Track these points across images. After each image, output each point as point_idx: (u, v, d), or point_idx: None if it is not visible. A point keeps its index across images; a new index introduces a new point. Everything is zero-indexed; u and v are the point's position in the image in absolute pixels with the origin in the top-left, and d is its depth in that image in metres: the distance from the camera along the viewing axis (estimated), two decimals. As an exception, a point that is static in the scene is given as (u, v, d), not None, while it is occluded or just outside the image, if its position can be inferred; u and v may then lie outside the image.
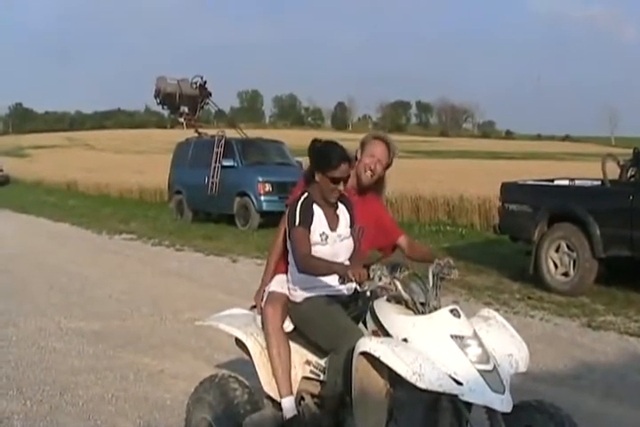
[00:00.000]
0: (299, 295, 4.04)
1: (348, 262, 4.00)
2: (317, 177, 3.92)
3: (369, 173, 4.25)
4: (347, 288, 3.97)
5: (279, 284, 4.20)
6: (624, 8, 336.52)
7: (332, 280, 3.72)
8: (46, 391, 6.10)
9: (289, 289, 4.11)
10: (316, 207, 3.95)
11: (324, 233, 3.95)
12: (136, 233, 17.81)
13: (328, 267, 3.68)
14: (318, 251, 3.88)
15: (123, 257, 14.14)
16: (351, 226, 4.07)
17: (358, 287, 3.59)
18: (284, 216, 4.28)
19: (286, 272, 4.17)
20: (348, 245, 4.07)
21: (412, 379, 3.21)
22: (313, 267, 3.72)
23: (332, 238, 3.97)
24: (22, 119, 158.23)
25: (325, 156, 3.90)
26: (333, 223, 4.00)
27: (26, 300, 9.87)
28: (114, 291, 10.47)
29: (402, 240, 4.36)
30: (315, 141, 4.02)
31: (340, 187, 3.94)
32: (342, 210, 4.07)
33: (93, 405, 5.82)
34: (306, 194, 3.98)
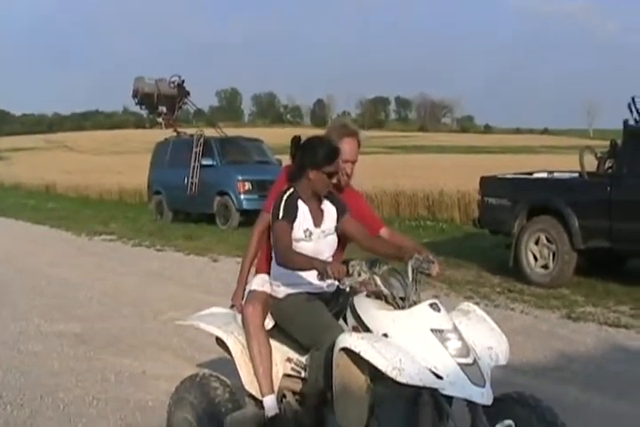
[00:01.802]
0: (281, 291, 4.03)
1: (331, 259, 3.99)
2: (311, 174, 3.87)
3: (345, 177, 4.20)
4: (328, 285, 3.96)
5: (260, 283, 4.19)
6: (602, 2, 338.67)
7: (313, 277, 3.70)
8: (26, 395, 6.05)
9: (271, 285, 4.10)
10: (300, 203, 3.93)
11: (307, 229, 3.93)
12: (116, 234, 17.72)
13: (307, 262, 3.66)
14: (302, 247, 3.86)
15: (103, 258, 14.07)
16: (338, 219, 4.02)
17: (337, 283, 3.58)
18: (260, 217, 4.27)
19: (268, 270, 4.15)
20: (332, 241, 4.06)
21: (393, 374, 3.20)
22: (292, 261, 3.70)
23: (315, 235, 3.96)
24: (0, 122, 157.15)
25: (320, 151, 3.86)
26: (318, 219, 3.98)
27: (5, 303, 9.80)
28: (94, 293, 10.42)
29: (383, 232, 4.31)
30: (297, 138, 4.00)
31: (334, 180, 3.94)
32: (327, 205, 4.03)
33: (74, 408, 5.78)
34: (291, 190, 3.94)
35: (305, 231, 3.91)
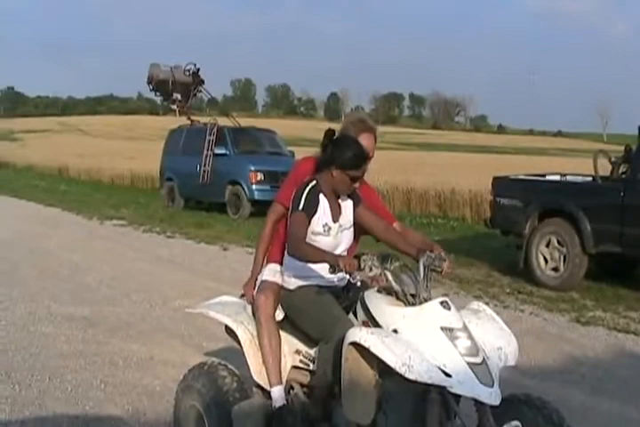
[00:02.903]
0: (292, 283, 4.04)
1: (346, 253, 4.00)
2: (335, 173, 3.87)
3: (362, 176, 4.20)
4: (339, 279, 3.98)
5: (272, 273, 4.21)
6: (617, 4, 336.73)
7: (325, 270, 3.71)
8: (35, 376, 6.09)
9: (283, 275, 4.12)
10: (322, 197, 3.93)
11: (326, 224, 3.93)
12: (127, 219, 17.77)
13: (319, 255, 3.65)
14: (320, 241, 3.88)
15: (113, 243, 14.12)
16: (354, 211, 4.03)
17: (349, 277, 3.60)
18: (272, 207, 4.28)
19: (280, 261, 4.17)
20: (349, 235, 4.07)
21: (402, 370, 3.21)
22: (304, 252, 3.69)
23: (334, 230, 3.97)
24: (14, 103, 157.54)
25: (351, 154, 3.85)
26: (336, 214, 3.99)
27: (16, 284, 9.84)
28: (104, 277, 10.46)
29: (395, 227, 4.30)
30: (331, 132, 3.96)
31: (356, 184, 3.95)
32: (345, 198, 4.03)
33: (82, 390, 5.82)
34: (314, 182, 3.94)
35: (324, 226, 3.92)
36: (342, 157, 3.85)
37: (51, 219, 18.45)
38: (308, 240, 3.82)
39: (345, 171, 3.86)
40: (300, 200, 3.86)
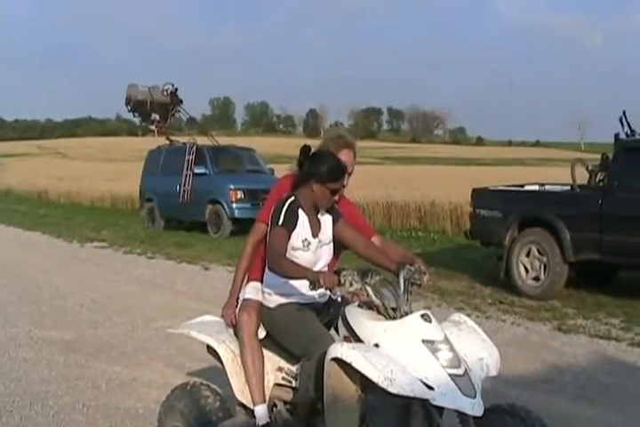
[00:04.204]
0: (273, 300, 4.03)
1: (326, 268, 4.00)
2: (315, 187, 3.88)
3: (342, 188, 4.20)
4: (319, 295, 3.97)
5: (254, 291, 4.19)
6: (594, 15, 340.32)
7: (305, 287, 3.69)
8: (16, 402, 6.03)
9: (263, 293, 4.10)
10: (301, 213, 3.93)
11: (306, 239, 3.93)
12: (107, 241, 17.69)
13: (299, 271, 3.63)
14: (299, 256, 3.87)
15: (94, 265, 14.04)
16: (333, 226, 4.03)
17: (329, 293, 3.59)
18: (254, 228, 4.26)
19: (261, 279, 4.15)
20: (328, 250, 4.06)
21: (384, 384, 3.21)
22: (284, 268, 3.66)
23: (313, 245, 3.96)
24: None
25: (328, 167, 3.86)
26: (315, 229, 3.98)
27: (-5, 310, 9.76)
28: (85, 300, 10.39)
29: (375, 240, 4.29)
30: (307, 148, 3.98)
31: (336, 197, 3.97)
32: (324, 214, 4.03)
33: (64, 415, 5.76)
34: (293, 198, 3.94)
35: (303, 241, 3.91)
36: (320, 170, 3.86)
37: (31, 243, 18.34)
38: (287, 256, 3.81)
39: (324, 184, 3.86)
40: (280, 215, 3.85)
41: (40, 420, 5.66)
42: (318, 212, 4.02)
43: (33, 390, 6.37)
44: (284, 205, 3.89)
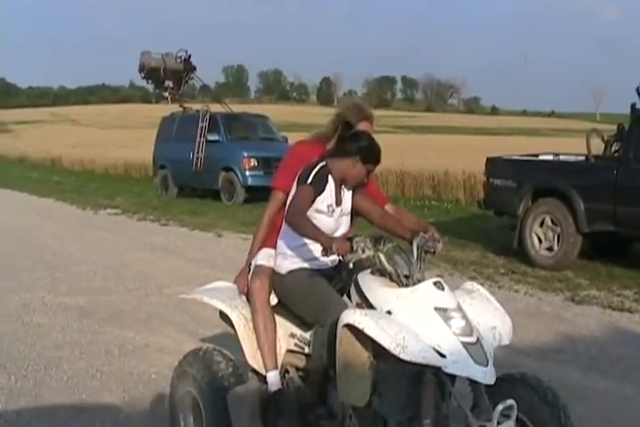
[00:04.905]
0: (284, 267, 4.03)
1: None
2: (357, 164, 3.96)
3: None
4: (331, 261, 3.97)
5: (266, 257, 4.18)
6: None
7: (317, 252, 3.70)
8: (30, 367, 6.10)
9: (275, 260, 4.11)
10: (330, 179, 3.96)
11: (331, 205, 3.96)
12: (121, 208, 17.74)
13: (314, 231, 3.61)
14: (321, 220, 3.87)
15: (107, 232, 14.10)
16: (352, 196, 4.09)
17: (341, 259, 3.58)
18: (272, 196, 4.26)
19: (274, 245, 4.15)
20: (347, 221, 4.10)
21: (396, 351, 3.20)
22: (301, 224, 3.66)
23: (337, 213, 3.99)
24: (5, 94, 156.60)
25: (376, 151, 4.00)
26: (339, 199, 4.01)
27: (10, 276, 9.83)
28: (98, 266, 10.44)
29: (388, 208, 4.31)
30: (349, 125, 4.09)
31: (365, 180, 4.08)
32: (348, 192, 4.08)
33: (78, 379, 5.82)
34: (323, 163, 3.97)
35: (329, 206, 3.94)
36: (369, 151, 3.98)
37: (44, 209, 18.41)
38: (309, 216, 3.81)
39: (365, 164, 3.97)
40: (309, 176, 3.87)
41: (54, 384, 5.72)
42: (342, 185, 4.04)
43: (47, 354, 6.43)
44: (314, 168, 3.92)
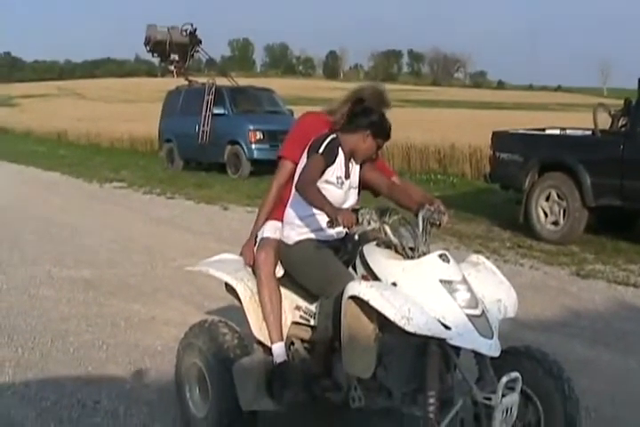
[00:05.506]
0: (291, 238, 4.03)
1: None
2: (368, 137, 4.00)
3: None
4: (337, 233, 3.96)
5: (272, 229, 4.19)
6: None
7: (323, 223, 3.70)
8: (37, 339, 6.13)
9: (282, 231, 4.11)
10: (340, 151, 3.97)
11: (340, 177, 3.97)
12: (127, 182, 17.72)
13: (321, 201, 3.62)
14: (331, 191, 3.88)
15: (113, 205, 14.10)
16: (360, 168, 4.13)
17: (347, 231, 3.58)
18: (279, 166, 4.25)
19: (281, 218, 4.16)
20: (355, 194, 4.12)
21: (401, 323, 3.21)
22: (309, 192, 3.68)
23: (345, 185, 4.00)
24: (11, 68, 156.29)
25: (387, 126, 4.07)
26: (347, 172, 4.03)
27: (16, 248, 9.85)
28: (104, 239, 10.46)
29: (395, 180, 4.32)
30: (361, 101, 4.07)
31: (374, 156, 4.13)
32: (356, 167, 4.11)
33: (84, 352, 5.85)
34: (334, 135, 3.98)
35: (338, 178, 3.96)
36: (380, 125, 4.03)
37: (50, 183, 18.40)
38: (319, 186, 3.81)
39: (376, 139, 4.02)
40: (321, 146, 3.89)
41: (60, 356, 5.75)
42: (350, 159, 4.05)
43: (53, 327, 6.46)
44: (325, 140, 3.93)
